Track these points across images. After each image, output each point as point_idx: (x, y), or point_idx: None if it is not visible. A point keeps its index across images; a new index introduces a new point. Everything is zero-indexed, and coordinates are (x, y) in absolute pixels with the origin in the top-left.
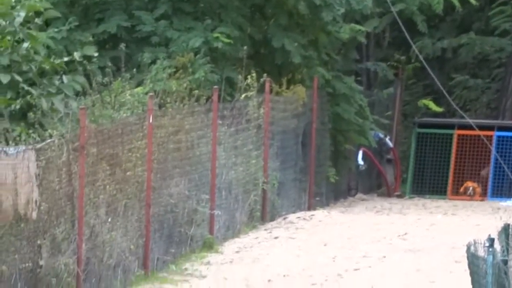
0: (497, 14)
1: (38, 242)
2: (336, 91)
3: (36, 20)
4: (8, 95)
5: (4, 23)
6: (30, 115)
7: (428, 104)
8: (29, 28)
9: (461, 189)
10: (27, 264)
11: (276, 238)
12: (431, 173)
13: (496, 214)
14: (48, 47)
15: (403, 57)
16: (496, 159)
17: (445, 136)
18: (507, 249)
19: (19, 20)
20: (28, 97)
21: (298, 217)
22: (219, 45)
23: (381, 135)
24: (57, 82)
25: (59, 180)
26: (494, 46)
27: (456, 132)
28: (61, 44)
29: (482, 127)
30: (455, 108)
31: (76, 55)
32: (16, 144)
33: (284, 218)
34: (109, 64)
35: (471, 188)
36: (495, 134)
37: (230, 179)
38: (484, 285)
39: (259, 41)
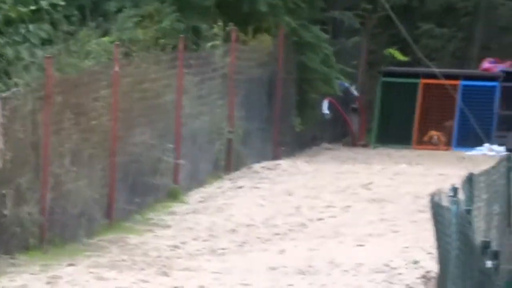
0: None
1: (3, 191)
2: (302, 40)
3: None
4: None
5: None
6: None
7: (393, 53)
8: None
9: (426, 138)
10: None
11: (240, 187)
12: (396, 122)
13: (461, 163)
14: None
15: (369, 6)
16: (461, 109)
17: (410, 85)
18: (471, 199)
19: None
20: None
21: (263, 167)
22: None
23: (347, 84)
24: (23, 31)
25: (24, 129)
26: None
27: (422, 81)
28: None
29: (447, 76)
30: (420, 57)
31: (43, 4)
32: None
33: (249, 168)
34: (75, 13)
35: (435, 137)
36: (460, 83)
37: (195, 129)
38: (447, 234)
39: None
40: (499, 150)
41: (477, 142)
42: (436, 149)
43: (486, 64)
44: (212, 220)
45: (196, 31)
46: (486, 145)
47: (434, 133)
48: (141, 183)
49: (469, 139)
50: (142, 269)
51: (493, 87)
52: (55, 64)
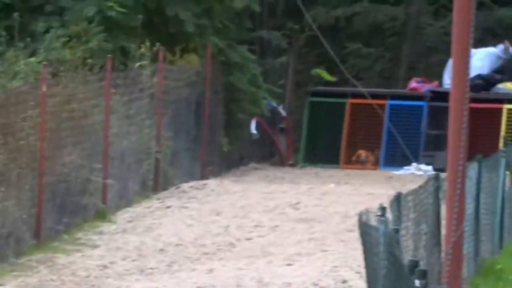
0: None
1: None
2: (229, 60)
3: None
4: None
5: None
6: None
7: (321, 73)
8: None
9: (354, 158)
10: None
11: (168, 207)
12: (324, 142)
13: (389, 183)
14: None
15: (296, 26)
16: (389, 128)
17: (338, 105)
18: (399, 218)
19: None
20: None
21: (191, 186)
22: (113, 14)
23: (274, 104)
24: None
25: None
26: (388, 14)
27: (349, 101)
28: None
29: (375, 96)
30: (348, 77)
31: None
32: None
33: (177, 188)
34: (3, 33)
35: (363, 156)
36: (387, 102)
37: (123, 148)
38: (376, 254)
39: (153, 10)
40: (427, 169)
41: (405, 162)
42: (364, 168)
43: (413, 84)
44: (141, 240)
45: (123, 51)
46: (414, 164)
47: (362, 152)
48: (70, 203)
49: (396, 158)
50: None
51: (420, 106)
52: None
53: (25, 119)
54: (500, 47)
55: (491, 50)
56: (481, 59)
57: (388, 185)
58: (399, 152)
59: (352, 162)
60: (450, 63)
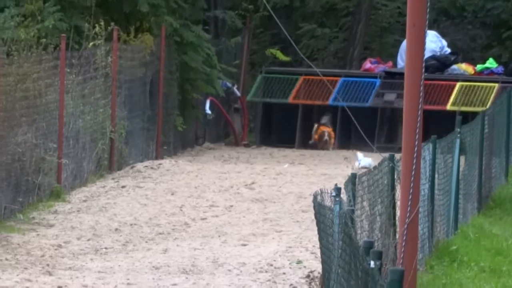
0: None
1: None
2: (183, 39)
3: None
4: None
5: None
6: None
7: (275, 53)
8: None
9: (316, 136)
10: None
11: (123, 187)
12: (279, 122)
13: (344, 163)
14: None
15: (251, 6)
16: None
17: (291, 82)
18: (354, 199)
19: None
20: None
21: (146, 166)
22: None
23: (229, 84)
24: None
25: None
26: None
27: (302, 78)
28: None
29: (328, 76)
30: (302, 58)
31: None
32: None
33: (132, 167)
34: None
35: (326, 133)
36: (341, 79)
37: (78, 128)
38: (330, 234)
39: None
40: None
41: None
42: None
43: (367, 65)
44: (96, 220)
45: (78, 31)
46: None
47: (324, 129)
48: (24, 182)
49: (351, 139)
50: (26, 268)
51: (373, 82)
52: None
53: None
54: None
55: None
56: (434, 41)
57: (343, 166)
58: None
59: (315, 140)
60: (404, 44)
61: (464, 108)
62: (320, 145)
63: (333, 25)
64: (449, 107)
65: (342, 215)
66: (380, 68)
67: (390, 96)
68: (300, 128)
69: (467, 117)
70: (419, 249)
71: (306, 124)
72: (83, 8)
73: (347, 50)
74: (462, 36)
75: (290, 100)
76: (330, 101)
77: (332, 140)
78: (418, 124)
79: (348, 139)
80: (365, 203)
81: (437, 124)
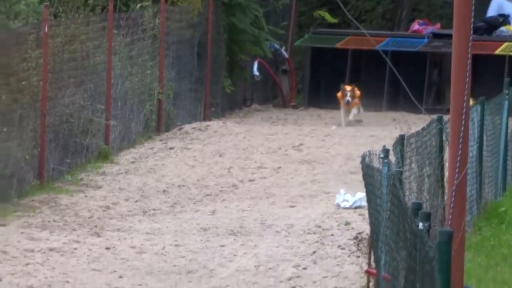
0: None
1: None
2: (231, 1)
3: None
4: None
5: None
6: None
7: (323, 15)
8: None
9: (339, 94)
10: None
11: (171, 148)
12: (327, 83)
13: (392, 124)
14: None
15: None
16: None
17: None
18: (402, 160)
19: None
20: None
21: (194, 128)
22: None
23: (277, 46)
24: None
25: None
26: None
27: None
28: None
29: (375, 37)
30: (350, 19)
31: None
32: None
33: (180, 129)
34: None
35: (348, 93)
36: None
37: (126, 89)
38: (378, 196)
39: None
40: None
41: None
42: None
43: (415, 26)
44: (144, 181)
45: None
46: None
47: (348, 87)
48: (72, 144)
49: (399, 101)
50: (74, 229)
51: (421, 42)
52: None
53: (26, 59)
54: None
55: None
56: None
57: (391, 127)
58: (402, 95)
59: (338, 99)
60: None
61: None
62: (343, 105)
63: None
64: (497, 52)
65: (390, 176)
66: (428, 29)
67: (437, 43)
68: None
69: None
70: (467, 210)
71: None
72: None
73: (395, 11)
74: None
75: (339, 45)
76: (377, 47)
77: (356, 100)
78: (466, 86)
79: (397, 100)
80: (413, 165)
81: (485, 69)
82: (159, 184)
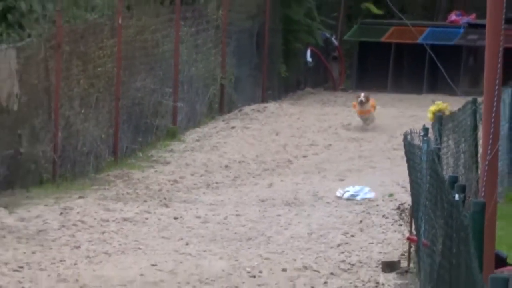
0: None
1: (19, 131)
2: None
3: None
4: None
5: None
6: (10, 16)
7: (369, 7)
8: None
9: (354, 103)
10: (9, 151)
11: (232, 128)
12: (373, 69)
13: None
14: None
15: None
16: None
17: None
18: (440, 138)
19: None
20: None
21: (253, 109)
22: None
23: (328, 35)
24: None
25: (38, 75)
26: None
27: (394, 28)
28: None
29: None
30: (394, 11)
31: None
32: None
33: (240, 110)
34: None
35: (362, 95)
36: (428, 29)
37: (191, 75)
38: (419, 170)
39: None
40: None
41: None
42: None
43: (452, 17)
44: (208, 157)
45: None
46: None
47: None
48: (143, 124)
49: (438, 84)
50: (145, 201)
51: (458, 32)
52: (64, 17)
53: (102, 48)
54: None
55: None
56: None
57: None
58: (440, 79)
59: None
60: None
61: None
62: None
63: None
64: None
65: (429, 152)
66: (464, 20)
67: (473, 36)
68: (392, 74)
69: None
70: (498, 183)
71: (397, 70)
72: None
73: (434, 2)
74: None
75: (383, 39)
76: (419, 40)
77: (370, 108)
78: (499, 71)
79: (435, 83)
80: (450, 142)
81: None
82: (221, 160)
